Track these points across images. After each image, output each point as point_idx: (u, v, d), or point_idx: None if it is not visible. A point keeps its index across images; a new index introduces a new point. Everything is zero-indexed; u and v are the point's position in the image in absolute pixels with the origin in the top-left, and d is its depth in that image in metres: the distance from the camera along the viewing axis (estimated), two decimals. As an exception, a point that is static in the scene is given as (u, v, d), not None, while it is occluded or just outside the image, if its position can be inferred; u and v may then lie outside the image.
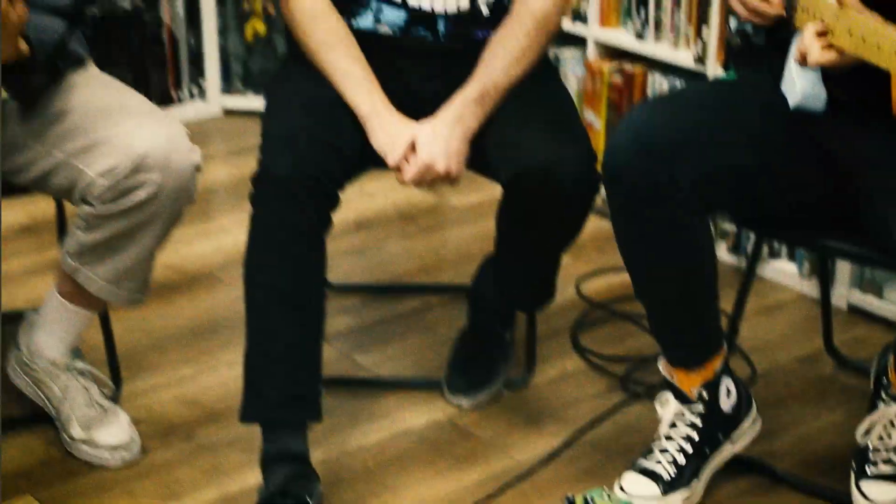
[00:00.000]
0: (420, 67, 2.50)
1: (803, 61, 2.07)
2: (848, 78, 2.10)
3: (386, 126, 2.41)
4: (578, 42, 3.54)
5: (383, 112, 2.42)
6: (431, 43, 2.50)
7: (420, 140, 2.39)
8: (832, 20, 2.05)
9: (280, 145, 2.36)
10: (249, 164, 2.42)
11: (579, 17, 3.51)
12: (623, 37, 3.45)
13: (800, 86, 2.15)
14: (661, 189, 2.14)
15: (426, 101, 2.47)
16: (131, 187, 2.27)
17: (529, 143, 2.36)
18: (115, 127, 2.29)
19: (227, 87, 4.08)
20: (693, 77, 3.31)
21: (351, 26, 2.49)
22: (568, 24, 3.51)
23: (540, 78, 2.49)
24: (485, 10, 2.50)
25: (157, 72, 3.93)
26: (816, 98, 2.16)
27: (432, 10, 2.48)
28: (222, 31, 4.03)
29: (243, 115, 4.05)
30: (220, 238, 3.37)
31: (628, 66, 3.44)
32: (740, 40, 2.39)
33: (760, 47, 2.34)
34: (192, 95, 4.03)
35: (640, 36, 3.40)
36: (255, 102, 4.03)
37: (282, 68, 2.64)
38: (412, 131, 2.40)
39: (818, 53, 2.04)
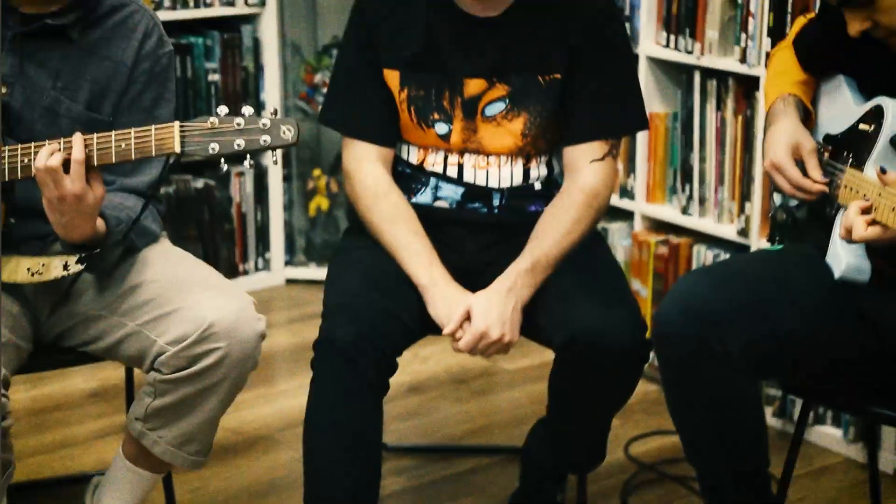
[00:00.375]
0: (476, 238, 2.61)
1: (848, 236, 2.15)
2: (891, 251, 2.18)
3: (443, 296, 2.50)
4: (626, 215, 3.65)
5: (441, 283, 2.51)
6: (486, 215, 2.60)
7: (475, 309, 2.47)
8: (875, 198, 2.14)
9: (341, 313, 2.45)
10: (311, 332, 2.51)
11: (626, 192, 3.62)
12: (668, 211, 3.54)
13: (845, 259, 2.23)
14: (710, 354, 2.20)
15: (482, 270, 2.57)
16: (199, 355, 2.35)
17: (580, 311, 2.43)
18: (185, 299, 2.38)
19: (291, 258, 4.22)
20: (737, 249, 3.39)
21: (410, 202, 2.60)
22: (615, 200, 3.61)
23: (589, 248, 2.59)
24: (537, 185, 2.61)
25: (226, 245, 4.08)
26: (861, 270, 2.23)
27: (487, 185, 2.59)
28: (287, 207, 4.20)
29: (305, 285, 4.17)
30: (280, 402, 3.45)
31: (674, 238, 3.53)
32: (785, 215, 2.47)
33: (803, 221, 2.43)
34: (257, 268, 4.16)
35: (685, 211, 3.49)
36: (317, 273, 4.15)
37: (343, 240, 2.75)
38: (468, 301, 2.49)
39: (863, 229, 2.12)
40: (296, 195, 4.21)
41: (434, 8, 2.55)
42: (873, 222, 2.12)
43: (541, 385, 2.71)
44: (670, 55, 3.41)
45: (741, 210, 3.34)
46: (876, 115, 2.24)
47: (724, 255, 3.41)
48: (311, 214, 4.22)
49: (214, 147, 2.19)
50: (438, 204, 2.61)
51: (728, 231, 3.39)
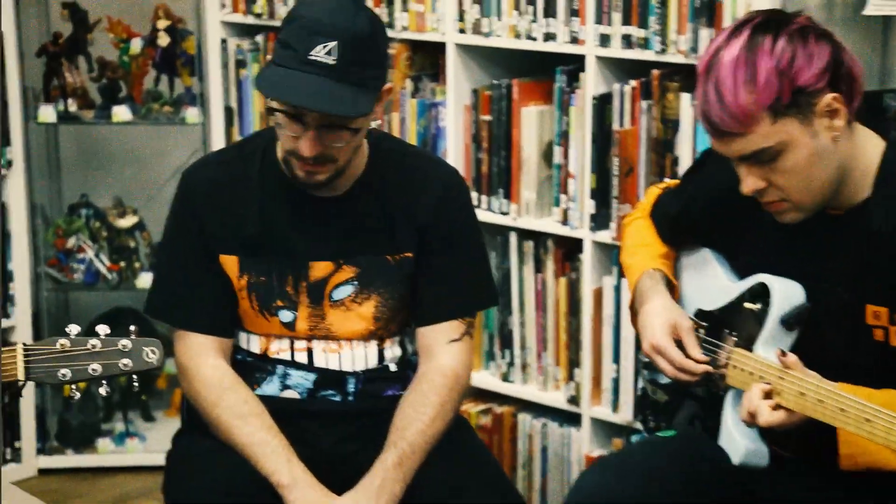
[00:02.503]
0: (330, 430, 2.47)
1: (751, 421, 2.13)
2: (787, 435, 2.17)
3: (306, 497, 2.35)
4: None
5: (302, 483, 2.36)
6: (340, 403, 2.48)
7: None
8: (777, 381, 2.12)
9: None
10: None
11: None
12: (487, 378, 3.47)
13: (742, 444, 2.20)
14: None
15: (340, 463, 2.44)
16: None
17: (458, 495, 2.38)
18: None
19: (44, 445, 3.89)
20: (567, 417, 3.35)
21: (255, 393, 2.46)
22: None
23: (455, 434, 2.49)
24: (392, 367, 2.51)
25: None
26: (760, 455, 2.20)
27: (340, 369, 2.47)
28: (38, 386, 3.88)
29: (61, 475, 3.85)
30: None
31: (496, 407, 3.46)
32: (657, 395, 2.44)
33: (679, 402, 2.40)
34: (5, 459, 3.83)
35: (505, 378, 3.43)
36: (75, 460, 3.89)
37: (179, 442, 2.56)
38: None
39: (768, 414, 2.10)
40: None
41: (269, 188, 2.44)
42: (777, 406, 2.11)
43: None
44: (483, 216, 3.35)
45: (569, 377, 3.31)
46: (761, 294, 2.24)
47: (552, 424, 3.37)
48: (66, 394, 3.91)
49: (65, 374, 2.02)
50: (287, 394, 2.47)
51: (555, 398, 3.34)
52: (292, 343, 2.47)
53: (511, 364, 3.43)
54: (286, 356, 2.47)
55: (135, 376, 2.09)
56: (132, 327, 2.08)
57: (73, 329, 2.05)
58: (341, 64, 2.25)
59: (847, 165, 2.12)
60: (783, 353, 2.12)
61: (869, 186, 2.14)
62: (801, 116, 2.07)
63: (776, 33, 2.06)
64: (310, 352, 2.47)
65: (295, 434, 2.43)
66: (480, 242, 2.59)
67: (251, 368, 2.48)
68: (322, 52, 2.25)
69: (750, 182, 2.13)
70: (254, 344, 2.49)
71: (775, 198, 2.14)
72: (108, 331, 2.06)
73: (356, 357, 2.48)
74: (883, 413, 1.95)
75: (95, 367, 2.04)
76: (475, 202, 3.35)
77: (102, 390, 2.10)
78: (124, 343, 2.05)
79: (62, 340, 2.03)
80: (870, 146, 2.16)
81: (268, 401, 2.46)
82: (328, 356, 2.47)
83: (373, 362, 2.49)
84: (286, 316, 2.45)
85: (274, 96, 2.30)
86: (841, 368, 2.14)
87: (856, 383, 2.12)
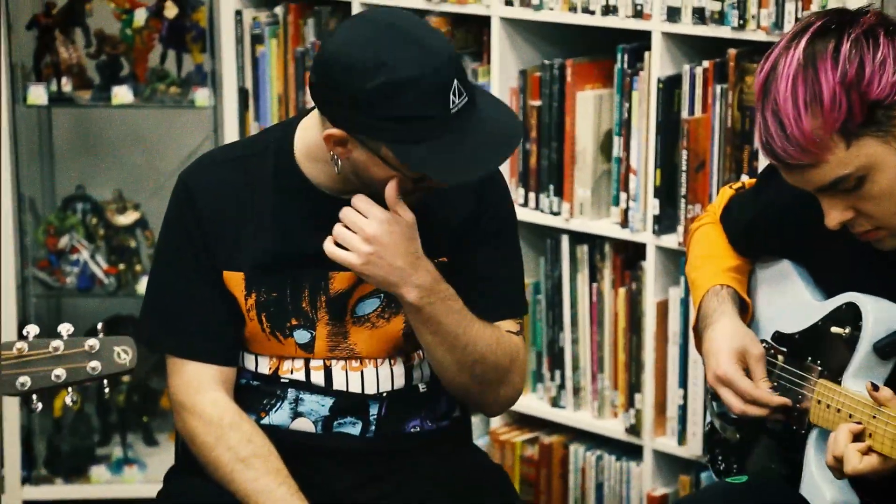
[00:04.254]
0: (347, 470, 2.39)
1: (838, 467, 2.01)
2: (882, 485, 2.05)
3: None
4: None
5: None
6: (359, 439, 2.39)
7: None
8: (869, 421, 2.01)
9: None
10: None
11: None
12: (534, 403, 3.40)
13: (828, 494, 2.12)
14: None
15: None
16: None
17: None
18: None
19: (29, 473, 3.85)
20: (626, 450, 3.28)
21: (261, 423, 2.38)
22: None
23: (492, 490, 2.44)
24: (422, 387, 2.43)
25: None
26: (848, 504, 2.11)
27: (363, 391, 2.37)
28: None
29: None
30: None
31: (544, 437, 3.40)
32: (727, 431, 2.33)
33: (752, 440, 2.30)
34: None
35: (555, 403, 3.36)
36: (64, 492, 3.85)
37: (171, 485, 2.49)
38: None
39: (857, 460, 1.99)
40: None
41: (285, 191, 2.35)
42: (868, 450, 2.00)
43: None
44: (530, 216, 3.29)
45: (629, 403, 3.24)
46: (850, 316, 2.13)
47: (609, 457, 3.31)
48: (57, 414, 3.84)
49: (24, 382, 1.98)
50: (299, 424, 2.39)
51: (612, 427, 3.29)
52: (307, 362, 2.38)
53: (562, 387, 3.37)
54: (300, 376, 2.39)
55: (105, 381, 2.03)
56: (99, 325, 2.04)
57: (32, 331, 2.01)
58: (470, 91, 2.20)
59: None
60: (875, 388, 2.02)
61: None
62: (882, 133, 1.98)
63: (839, 38, 1.97)
64: (328, 371, 2.38)
65: (306, 475, 2.35)
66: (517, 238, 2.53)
67: (258, 394, 2.41)
68: (456, 99, 2.18)
69: (835, 215, 2.06)
70: (262, 364, 2.41)
71: (868, 227, 2.07)
72: (71, 329, 2.01)
73: (381, 377, 2.39)
74: None
75: (59, 373, 1.99)
76: (521, 199, 3.28)
77: (68, 399, 2.06)
78: (91, 343, 2.00)
79: (19, 344, 1.98)
80: None
81: (276, 433, 2.38)
82: (349, 375, 2.38)
83: (399, 383, 2.41)
84: (302, 336, 2.37)
85: (472, 178, 2.26)
86: (946, 404, 2.03)
87: (963, 422, 2.01)
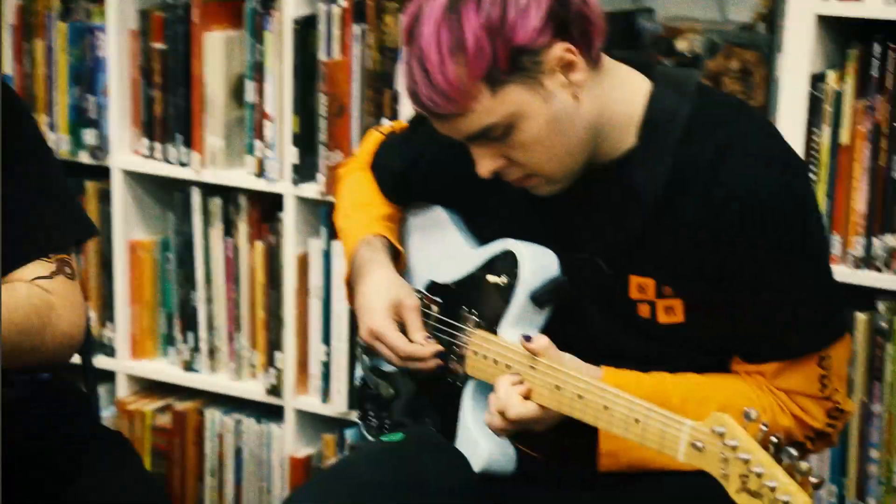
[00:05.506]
0: None
1: (503, 426, 2.07)
2: (540, 434, 2.11)
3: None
4: (105, 376, 3.41)
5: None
6: None
7: None
8: (527, 372, 2.07)
9: None
10: None
11: (104, 347, 3.41)
12: (165, 368, 3.37)
13: (486, 446, 2.15)
14: None
15: None
16: None
17: None
18: None
19: None
20: (268, 411, 3.29)
21: None
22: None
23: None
24: None
25: None
26: (507, 458, 2.15)
27: None
28: None
29: None
30: None
31: (177, 403, 3.38)
32: (378, 384, 2.37)
33: (407, 392, 2.33)
34: None
35: (189, 367, 3.35)
36: None
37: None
38: None
39: (519, 404, 2.03)
40: None
41: None
42: (528, 397, 2.05)
43: None
44: (156, 168, 3.26)
45: (269, 362, 3.25)
46: (506, 264, 2.18)
47: (249, 420, 3.31)
48: None
49: None
50: None
51: (252, 389, 3.30)
52: None
53: (195, 349, 3.35)
54: None
55: None
56: None
57: None
58: None
59: (601, 118, 2.07)
60: (528, 339, 2.06)
61: (634, 135, 2.10)
62: (528, 80, 2.00)
63: None
64: None
65: None
66: None
67: None
68: None
69: (486, 164, 2.07)
70: None
71: (520, 174, 2.09)
72: None
73: None
74: (656, 412, 1.92)
75: None
76: (146, 150, 3.26)
77: None
78: None
79: None
80: (631, 88, 2.11)
81: None
82: None
83: None
84: None
85: None
86: (603, 350, 2.11)
87: (621, 366, 2.10)
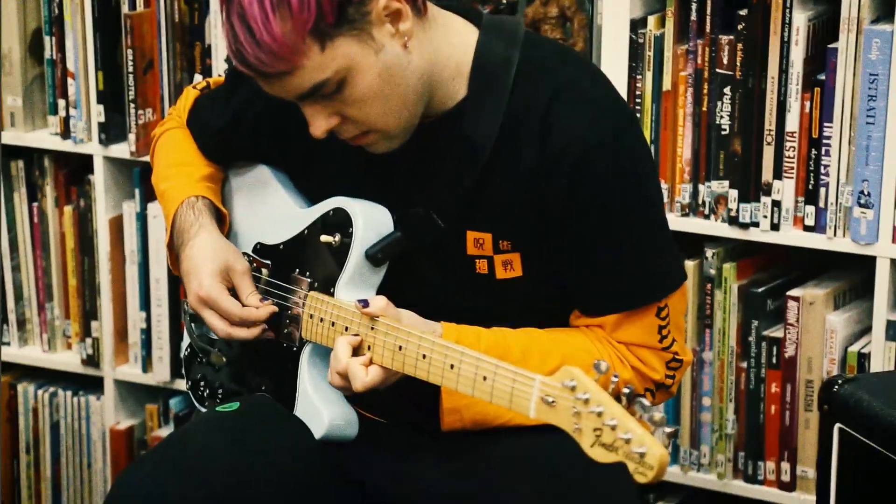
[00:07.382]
0: None
1: (346, 385, 2.09)
2: (383, 396, 2.13)
3: None
4: None
5: None
6: None
7: None
8: (367, 333, 2.09)
9: None
10: None
11: None
12: (-33, 344, 3.34)
13: (326, 412, 2.17)
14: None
15: None
16: None
17: None
18: None
19: None
20: (85, 383, 3.27)
21: None
22: None
23: None
24: None
25: None
26: (349, 423, 2.18)
27: None
28: None
29: None
30: None
31: None
32: (207, 351, 2.36)
33: (237, 359, 2.34)
34: None
35: (-1, 340, 3.31)
36: None
37: None
38: None
39: (364, 374, 2.05)
40: None
41: None
42: (370, 362, 2.08)
43: None
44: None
45: (85, 332, 3.24)
46: (339, 223, 2.19)
47: (65, 392, 3.30)
48: None
49: None
50: None
51: (67, 360, 3.29)
52: None
53: (3, 321, 3.29)
54: None
55: None
56: None
57: None
58: None
59: (434, 69, 2.11)
60: (364, 304, 2.08)
61: (465, 86, 2.12)
62: (357, 32, 2.01)
63: None
64: None
65: None
66: None
67: None
68: None
69: (319, 124, 2.08)
70: None
71: (356, 132, 2.10)
72: None
73: None
74: (505, 368, 1.94)
75: None
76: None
77: None
78: None
79: None
80: (459, 37, 2.14)
81: None
82: None
83: None
84: None
85: None
86: (442, 307, 2.15)
87: (461, 323, 2.13)
